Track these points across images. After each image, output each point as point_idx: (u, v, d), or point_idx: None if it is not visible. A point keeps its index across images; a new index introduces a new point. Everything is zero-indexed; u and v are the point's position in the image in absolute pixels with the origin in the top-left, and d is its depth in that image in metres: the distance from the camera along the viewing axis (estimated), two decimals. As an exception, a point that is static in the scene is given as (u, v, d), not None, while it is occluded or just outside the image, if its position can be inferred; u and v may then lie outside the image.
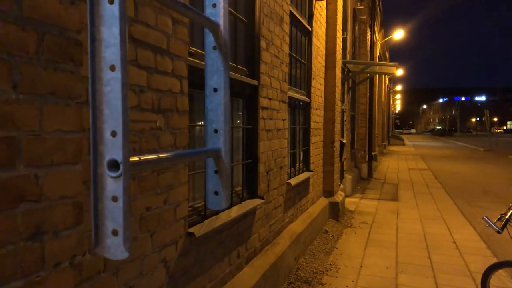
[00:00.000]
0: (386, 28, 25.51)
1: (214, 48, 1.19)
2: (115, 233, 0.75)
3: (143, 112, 2.10)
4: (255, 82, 3.82)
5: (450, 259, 5.50)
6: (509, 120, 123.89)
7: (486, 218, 3.14)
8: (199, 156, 1.16)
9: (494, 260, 5.47)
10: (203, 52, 2.85)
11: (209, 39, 1.19)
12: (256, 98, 3.88)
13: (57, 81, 1.31)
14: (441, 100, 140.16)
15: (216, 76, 1.20)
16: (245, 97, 3.81)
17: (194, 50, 2.78)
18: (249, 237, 3.67)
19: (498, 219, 3.04)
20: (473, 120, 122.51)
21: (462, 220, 7.81)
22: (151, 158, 0.86)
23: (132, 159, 0.79)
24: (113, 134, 0.76)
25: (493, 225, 3.03)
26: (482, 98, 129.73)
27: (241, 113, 3.83)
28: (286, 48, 4.70)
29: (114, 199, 0.76)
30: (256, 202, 3.77)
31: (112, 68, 0.75)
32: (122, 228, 0.75)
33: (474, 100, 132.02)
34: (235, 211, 3.29)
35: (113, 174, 0.75)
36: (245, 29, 3.80)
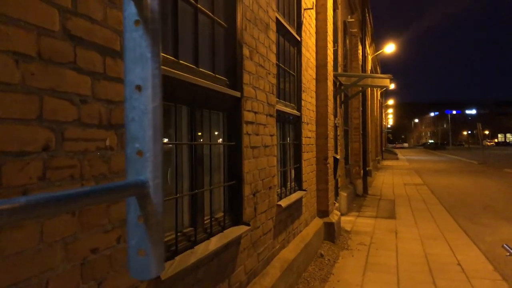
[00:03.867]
0: (377, 43, 25.45)
1: (137, 23, 0.76)
2: None
3: (85, 129, 1.65)
4: (237, 94, 3.40)
5: (457, 284, 5.03)
6: (500, 133, 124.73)
7: (506, 246, 2.71)
8: (111, 195, 0.72)
9: (504, 285, 5.03)
10: (173, 58, 2.42)
11: (130, 10, 0.76)
12: (239, 112, 3.45)
13: None
14: (432, 114, 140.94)
15: (140, 67, 0.76)
16: (226, 111, 3.38)
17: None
18: (233, 271, 3.20)
19: (520, 246, 2.61)
20: (465, 133, 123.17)
21: (464, 239, 7.37)
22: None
23: None
24: None
25: (516, 255, 2.60)
26: (473, 112, 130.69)
27: (222, 129, 3.40)
28: (272, 58, 4.31)
29: None
30: (241, 229, 3.31)
31: None
32: None
33: (465, 113, 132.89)
34: (214, 243, 2.83)
35: None
36: (225, 35, 3.39)
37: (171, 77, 2.37)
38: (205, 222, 2.94)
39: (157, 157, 0.77)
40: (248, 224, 3.46)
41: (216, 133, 3.36)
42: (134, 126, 0.76)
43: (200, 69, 2.87)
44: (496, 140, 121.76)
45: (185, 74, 2.53)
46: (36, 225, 1.41)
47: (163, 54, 2.38)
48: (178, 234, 2.54)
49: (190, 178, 2.79)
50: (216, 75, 3.15)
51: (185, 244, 2.56)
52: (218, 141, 3.41)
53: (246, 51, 3.54)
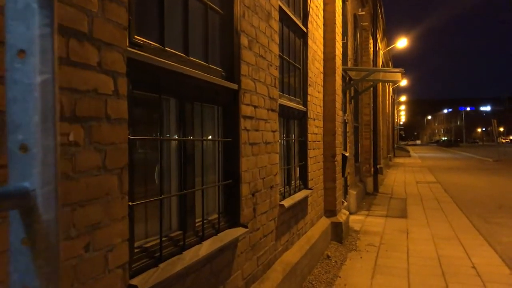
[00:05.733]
0: (389, 37, 24.92)
1: (18, -40, 0.53)
2: None
3: (41, 121, 1.43)
4: (234, 86, 3.17)
5: (472, 289, 4.75)
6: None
7: None
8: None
9: (523, 290, 4.73)
10: (158, 45, 2.19)
11: None
12: (237, 106, 3.21)
13: None
14: (445, 111, 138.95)
15: (23, 24, 0.54)
16: (222, 104, 3.14)
17: (142, 41, 2.13)
18: (229, 277, 2.97)
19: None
20: (479, 130, 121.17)
21: (479, 240, 7.04)
22: None
23: None
24: None
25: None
26: (488, 108, 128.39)
27: (217, 124, 3.16)
28: (275, 49, 4.06)
29: None
30: (238, 232, 3.08)
31: None
32: None
33: (479, 110, 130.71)
34: (206, 247, 2.60)
35: None
36: (220, 22, 3.15)
37: (154, 65, 2.14)
38: (197, 224, 2.72)
39: (49, 154, 0.53)
40: (246, 226, 3.23)
41: (210, 128, 3.13)
42: (16, 109, 0.53)
43: (191, 58, 2.63)
44: (511, 137, 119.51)
45: (171, 63, 2.30)
46: (-27, 234, 1.20)
47: (144, 40, 2.15)
48: (164, 238, 2.32)
49: (179, 177, 2.57)
50: (210, 66, 2.91)
51: (171, 250, 2.33)
52: (212, 137, 3.17)
53: (244, 40, 3.30)
